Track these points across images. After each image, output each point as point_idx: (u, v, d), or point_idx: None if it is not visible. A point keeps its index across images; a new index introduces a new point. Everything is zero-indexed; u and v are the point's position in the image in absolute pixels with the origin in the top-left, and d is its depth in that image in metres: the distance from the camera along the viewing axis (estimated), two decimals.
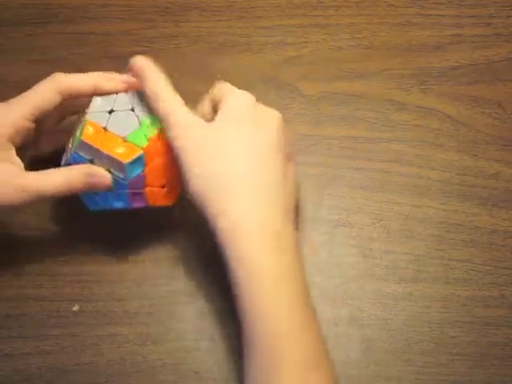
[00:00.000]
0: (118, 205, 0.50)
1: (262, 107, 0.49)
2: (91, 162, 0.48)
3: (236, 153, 0.46)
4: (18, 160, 0.49)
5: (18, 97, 0.49)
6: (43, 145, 0.53)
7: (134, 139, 0.48)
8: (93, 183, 0.48)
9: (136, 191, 0.49)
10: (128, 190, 0.49)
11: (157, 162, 0.49)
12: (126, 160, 0.47)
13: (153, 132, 0.49)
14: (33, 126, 0.49)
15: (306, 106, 0.59)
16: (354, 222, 0.55)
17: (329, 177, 0.57)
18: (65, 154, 0.51)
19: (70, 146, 0.50)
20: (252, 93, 0.57)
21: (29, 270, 0.53)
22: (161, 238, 0.54)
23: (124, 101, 0.50)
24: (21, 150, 0.49)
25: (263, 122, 0.48)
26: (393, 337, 0.52)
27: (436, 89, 0.60)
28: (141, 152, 0.48)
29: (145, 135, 0.48)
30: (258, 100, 0.59)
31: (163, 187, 0.50)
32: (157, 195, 0.50)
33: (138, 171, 0.48)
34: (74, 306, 0.52)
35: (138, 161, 0.48)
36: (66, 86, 0.49)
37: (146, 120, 0.49)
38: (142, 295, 0.52)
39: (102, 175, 0.48)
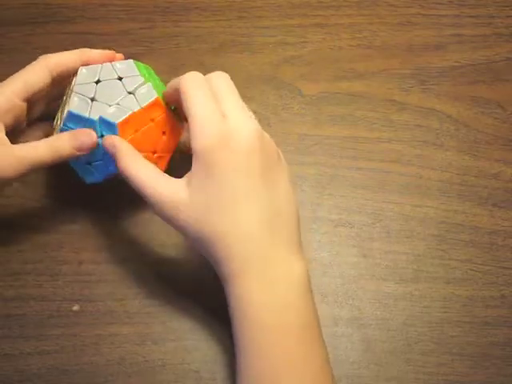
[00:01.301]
0: (113, 169, 0.49)
1: (229, 135, 0.45)
2: None
3: (239, 210, 0.44)
4: (6, 139, 0.49)
5: (9, 77, 0.50)
6: (31, 134, 0.53)
7: (124, 104, 0.48)
8: (79, 144, 0.48)
9: None
10: None
11: (147, 128, 0.49)
12: (117, 120, 0.48)
13: (144, 100, 0.49)
14: (24, 105, 0.50)
15: (306, 106, 0.59)
16: (354, 222, 0.55)
17: (329, 177, 0.57)
18: (54, 131, 0.51)
19: (59, 121, 0.50)
20: (252, 93, 0.58)
21: (29, 270, 0.53)
22: (161, 238, 0.54)
23: (110, 70, 0.50)
24: (11, 137, 0.49)
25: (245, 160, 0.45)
26: (393, 337, 0.52)
27: (436, 89, 0.60)
28: (131, 113, 0.48)
29: (136, 100, 0.49)
30: (257, 100, 0.59)
31: (154, 153, 0.50)
32: (148, 160, 0.49)
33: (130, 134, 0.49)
34: (74, 306, 0.52)
35: (129, 122, 0.48)
36: (55, 63, 0.50)
37: (137, 88, 0.49)
38: (142, 295, 0.52)
39: (86, 133, 0.48)
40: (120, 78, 0.50)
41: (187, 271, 0.53)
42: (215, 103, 0.45)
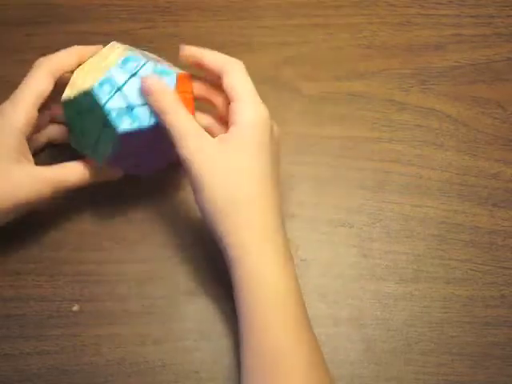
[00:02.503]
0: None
1: (271, 122, 0.48)
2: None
3: (245, 181, 0.46)
4: (30, 155, 0.50)
5: (14, 94, 0.50)
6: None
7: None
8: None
9: None
10: None
11: (189, 96, 0.50)
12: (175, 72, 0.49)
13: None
14: (37, 116, 0.50)
15: (306, 106, 0.59)
16: (354, 222, 0.55)
17: (329, 177, 0.57)
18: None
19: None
20: None
21: (29, 270, 0.53)
22: (161, 238, 0.54)
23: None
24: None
25: (274, 147, 0.48)
26: (393, 337, 0.52)
27: (436, 89, 0.60)
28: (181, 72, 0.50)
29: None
30: None
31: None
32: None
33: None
34: (74, 306, 0.52)
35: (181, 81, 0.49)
36: (56, 67, 0.50)
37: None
38: (142, 295, 0.52)
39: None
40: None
41: (187, 271, 0.53)
42: None
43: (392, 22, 0.63)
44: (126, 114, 0.47)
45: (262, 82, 0.60)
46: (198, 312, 0.52)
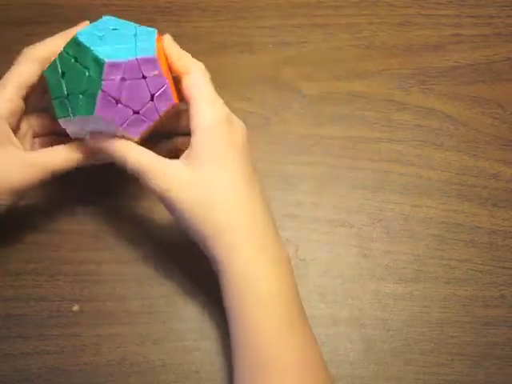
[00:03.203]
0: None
1: (232, 119, 0.48)
2: None
3: (222, 194, 0.46)
4: (17, 141, 0.49)
5: (3, 78, 0.49)
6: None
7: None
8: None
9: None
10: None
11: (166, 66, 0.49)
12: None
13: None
14: (23, 106, 0.49)
15: (306, 106, 0.59)
16: (354, 222, 0.55)
17: (329, 177, 0.57)
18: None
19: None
20: (252, 93, 0.58)
21: (29, 270, 0.53)
22: (161, 238, 0.54)
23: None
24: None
25: (238, 142, 0.47)
26: (393, 337, 0.52)
27: (436, 89, 0.60)
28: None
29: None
30: (257, 100, 0.59)
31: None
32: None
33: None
34: (74, 306, 0.52)
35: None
36: (43, 55, 0.49)
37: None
38: (142, 295, 0.52)
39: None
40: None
41: (187, 271, 0.53)
42: None
43: (392, 22, 0.63)
44: (111, 51, 0.46)
45: (262, 81, 0.60)
46: (197, 312, 0.52)
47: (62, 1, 0.63)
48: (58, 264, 0.53)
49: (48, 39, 0.51)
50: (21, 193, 0.49)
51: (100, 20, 0.50)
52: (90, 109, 0.46)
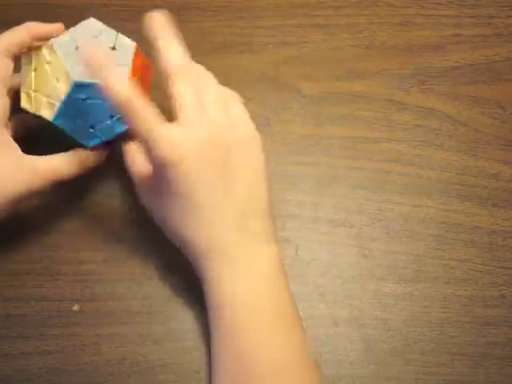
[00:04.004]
0: (121, 128, 0.49)
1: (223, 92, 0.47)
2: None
3: (209, 200, 0.45)
4: (17, 147, 0.48)
5: None
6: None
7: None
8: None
9: None
10: None
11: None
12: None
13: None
14: (7, 100, 0.48)
15: (306, 106, 0.59)
16: (354, 222, 0.55)
17: (329, 177, 0.57)
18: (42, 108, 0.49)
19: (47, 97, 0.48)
20: (252, 93, 0.58)
21: (29, 270, 0.53)
22: (161, 238, 0.54)
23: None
24: None
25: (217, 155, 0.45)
26: (393, 337, 0.52)
27: (436, 89, 0.60)
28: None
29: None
30: (257, 100, 0.59)
31: None
32: None
33: None
34: (74, 305, 0.52)
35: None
36: (5, 46, 0.48)
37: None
38: (142, 295, 0.52)
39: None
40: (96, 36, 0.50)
41: (187, 271, 0.53)
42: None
43: (392, 23, 0.63)
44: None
45: (262, 81, 0.60)
46: (197, 312, 0.52)
47: (62, 1, 0.63)
48: (58, 264, 0.53)
49: (11, 30, 0.49)
50: (20, 200, 0.48)
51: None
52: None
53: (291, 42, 0.62)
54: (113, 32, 0.51)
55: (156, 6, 0.63)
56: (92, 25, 0.50)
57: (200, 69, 0.48)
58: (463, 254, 0.54)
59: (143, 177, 0.48)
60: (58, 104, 0.48)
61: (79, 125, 0.49)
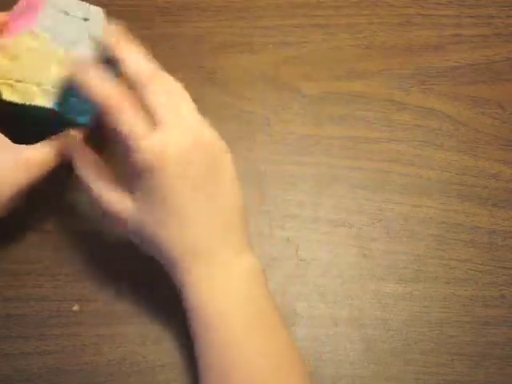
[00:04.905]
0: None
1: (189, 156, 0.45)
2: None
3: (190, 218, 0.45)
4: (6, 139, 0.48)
5: None
6: None
7: None
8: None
9: None
10: None
11: None
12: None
13: None
14: None
15: (306, 106, 0.59)
16: (354, 222, 0.55)
17: (329, 177, 0.57)
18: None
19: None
20: (252, 93, 0.58)
21: (29, 270, 0.53)
22: None
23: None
24: None
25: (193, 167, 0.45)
26: (393, 337, 0.52)
27: (436, 89, 0.60)
28: None
29: None
30: (257, 100, 0.59)
31: None
32: None
33: None
34: (74, 305, 0.52)
35: None
36: None
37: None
38: (142, 295, 0.52)
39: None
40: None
41: None
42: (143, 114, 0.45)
43: (392, 23, 0.63)
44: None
45: (262, 82, 0.60)
46: None
47: None
48: (58, 264, 0.53)
49: None
50: (21, 194, 0.48)
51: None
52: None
53: (291, 42, 0.62)
54: (84, 4, 0.50)
55: (156, 6, 0.63)
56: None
57: (164, 74, 0.48)
58: (463, 254, 0.54)
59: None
60: (52, 89, 0.47)
61: (73, 102, 0.48)
